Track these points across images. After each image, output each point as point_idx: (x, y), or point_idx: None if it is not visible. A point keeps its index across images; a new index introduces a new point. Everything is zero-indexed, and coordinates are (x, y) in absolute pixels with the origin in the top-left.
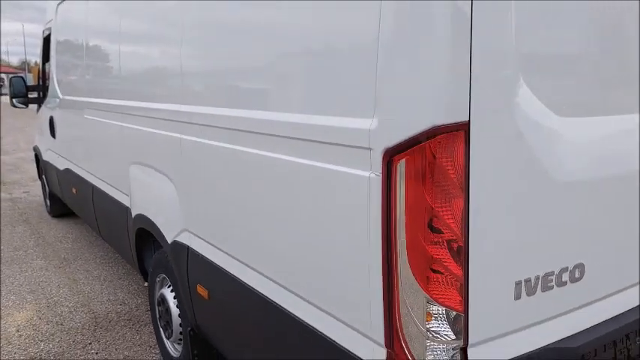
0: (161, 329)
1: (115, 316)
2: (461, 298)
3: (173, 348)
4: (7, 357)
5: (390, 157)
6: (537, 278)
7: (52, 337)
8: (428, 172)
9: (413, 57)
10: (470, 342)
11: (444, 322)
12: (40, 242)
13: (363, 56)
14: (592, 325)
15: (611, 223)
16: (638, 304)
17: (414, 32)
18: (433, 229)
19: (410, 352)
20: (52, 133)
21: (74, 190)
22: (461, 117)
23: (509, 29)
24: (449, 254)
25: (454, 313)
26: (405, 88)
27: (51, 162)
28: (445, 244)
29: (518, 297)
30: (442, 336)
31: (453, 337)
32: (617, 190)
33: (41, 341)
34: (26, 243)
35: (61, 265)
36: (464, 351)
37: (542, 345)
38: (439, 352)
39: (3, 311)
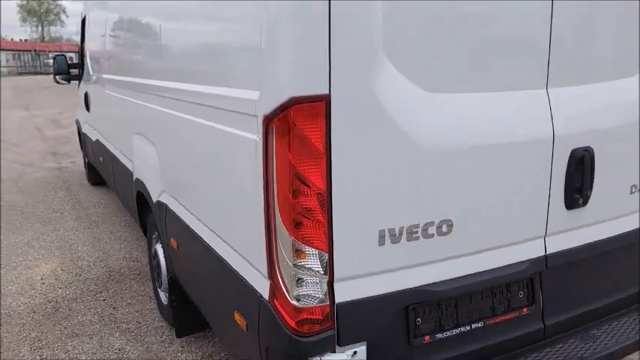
0: (155, 280)
1: (127, 270)
2: (326, 242)
3: (163, 296)
4: (29, 300)
5: (267, 123)
6: (402, 229)
7: (69, 285)
8: (292, 136)
9: (283, 41)
10: (335, 278)
11: (313, 260)
12: (75, 206)
13: (251, 41)
14: (461, 275)
15: (480, 188)
16: (518, 260)
17: (284, 21)
18: (299, 184)
19: (285, 284)
20: (87, 107)
21: (101, 159)
22: (320, 90)
23: (372, 10)
24: (313, 205)
25: (320, 253)
26: (276, 66)
27: (87, 134)
28: (310, 197)
29: (382, 244)
30: (310, 271)
31: (321, 272)
32: (484, 158)
33: (60, 288)
34: (64, 206)
35: (89, 227)
36: (330, 285)
37: (408, 287)
38: (308, 284)
39: (32, 263)
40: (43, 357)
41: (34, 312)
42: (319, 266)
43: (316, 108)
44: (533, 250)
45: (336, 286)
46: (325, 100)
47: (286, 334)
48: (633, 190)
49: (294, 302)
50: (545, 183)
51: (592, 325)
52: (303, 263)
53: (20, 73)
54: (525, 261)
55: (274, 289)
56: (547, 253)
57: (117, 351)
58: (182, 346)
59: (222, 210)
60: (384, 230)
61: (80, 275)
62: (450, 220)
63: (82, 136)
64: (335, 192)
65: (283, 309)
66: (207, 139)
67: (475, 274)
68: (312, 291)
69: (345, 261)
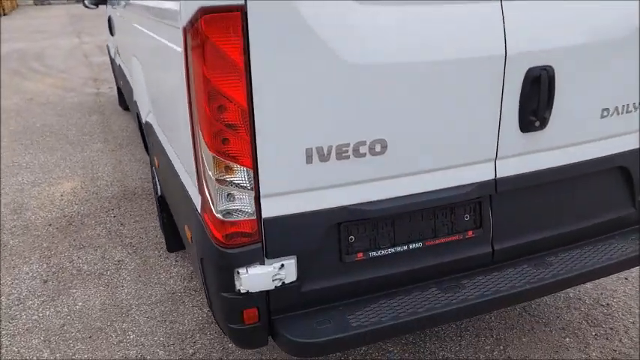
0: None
1: (140, 190)
2: (250, 158)
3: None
4: (47, 214)
5: (185, 34)
6: (330, 148)
7: (86, 202)
8: (206, 48)
9: None
10: (262, 194)
11: (239, 176)
12: (105, 130)
13: None
14: (398, 195)
15: (417, 107)
16: (463, 183)
17: None
18: (218, 99)
19: (211, 198)
20: (111, 32)
21: (121, 82)
22: (233, 0)
23: None
24: (235, 121)
25: (246, 169)
26: None
27: (114, 58)
28: (231, 112)
29: (310, 162)
30: (237, 187)
31: (247, 188)
32: (422, 76)
33: (76, 204)
34: (94, 129)
35: (114, 149)
36: (257, 200)
37: (339, 205)
38: (236, 200)
39: (56, 181)
40: (50, 265)
41: (50, 225)
42: (245, 182)
43: (230, 19)
44: (481, 173)
45: (263, 201)
46: (240, 11)
47: (214, 246)
48: (605, 114)
49: (219, 216)
50: (495, 104)
51: (550, 253)
52: (230, 179)
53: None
54: (471, 184)
55: (204, 203)
56: (497, 176)
57: (116, 262)
58: (176, 261)
59: (172, 125)
60: (311, 149)
61: (97, 193)
62: (383, 139)
63: (112, 61)
64: (257, 108)
65: (212, 222)
66: (157, 53)
67: (413, 195)
68: (240, 206)
69: (272, 177)
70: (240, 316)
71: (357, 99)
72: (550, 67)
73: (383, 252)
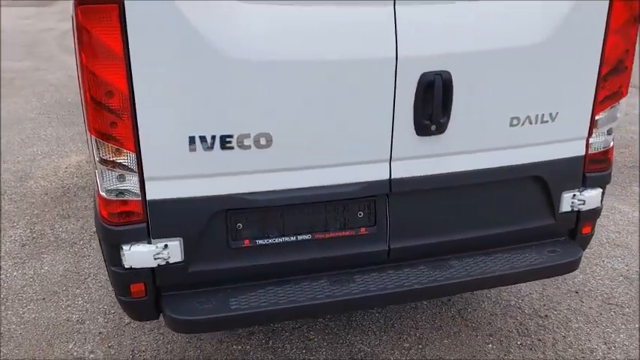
0: None
1: None
2: (133, 142)
3: None
4: (47, 184)
5: (72, 22)
6: (214, 138)
7: (85, 175)
8: (84, 37)
9: None
10: (146, 177)
11: (124, 158)
12: None
13: None
14: (287, 188)
15: (305, 104)
16: (355, 181)
17: None
18: (99, 85)
19: (97, 177)
20: None
21: None
22: None
23: None
24: (117, 107)
25: (129, 152)
26: None
27: None
28: (112, 98)
29: (193, 150)
30: (122, 168)
31: (132, 170)
32: (309, 74)
33: (76, 177)
34: None
35: None
36: (142, 183)
37: (226, 193)
38: (124, 180)
39: (66, 154)
40: (33, 230)
41: (46, 194)
42: (130, 164)
43: (106, 11)
44: (375, 173)
45: (147, 184)
46: (118, 4)
47: (102, 223)
48: (515, 122)
49: (104, 194)
50: (387, 106)
51: (455, 257)
52: (115, 160)
53: None
54: (363, 182)
55: (95, 183)
56: (392, 177)
57: (92, 233)
58: None
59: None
60: (194, 137)
61: None
62: (268, 134)
63: None
64: (138, 96)
65: (100, 200)
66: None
67: (302, 188)
68: (127, 187)
69: (155, 162)
70: (128, 290)
71: (240, 93)
72: (446, 72)
73: (270, 241)
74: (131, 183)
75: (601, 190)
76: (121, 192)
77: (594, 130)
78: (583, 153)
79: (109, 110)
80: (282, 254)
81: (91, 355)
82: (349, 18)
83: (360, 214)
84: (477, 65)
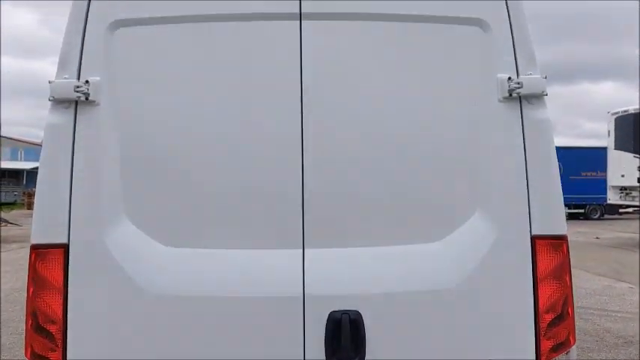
0: None
1: None
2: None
3: None
4: None
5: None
6: None
7: None
8: (32, 272)
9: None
10: None
11: None
12: None
13: None
14: None
15: (218, 340)
16: None
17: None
18: (39, 312)
19: None
20: None
21: None
22: (58, 239)
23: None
24: (54, 341)
25: None
26: None
27: None
28: (49, 324)
29: None
30: None
31: None
32: (221, 309)
33: None
34: None
35: None
36: None
37: None
38: None
39: None
40: None
41: None
42: None
43: (53, 253)
44: None
45: None
46: (64, 248)
47: None
48: None
49: None
50: (297, 344)
51: None
52: None
53: None
54: None
55: None
56: None
57: None
58: None
59: None
60: None
61: None
62: None
63: None
64: (70, 321)
65: None
66: None
67: None
68: None
69: None
70: None
71: (155, 324)
72: (356, 312)
73: None
74: None
75: None
76: None
77: None
78: None
79: (42, 331)
80: None
81: None
82: (261, 260)
83: None
84: (389, 306)
